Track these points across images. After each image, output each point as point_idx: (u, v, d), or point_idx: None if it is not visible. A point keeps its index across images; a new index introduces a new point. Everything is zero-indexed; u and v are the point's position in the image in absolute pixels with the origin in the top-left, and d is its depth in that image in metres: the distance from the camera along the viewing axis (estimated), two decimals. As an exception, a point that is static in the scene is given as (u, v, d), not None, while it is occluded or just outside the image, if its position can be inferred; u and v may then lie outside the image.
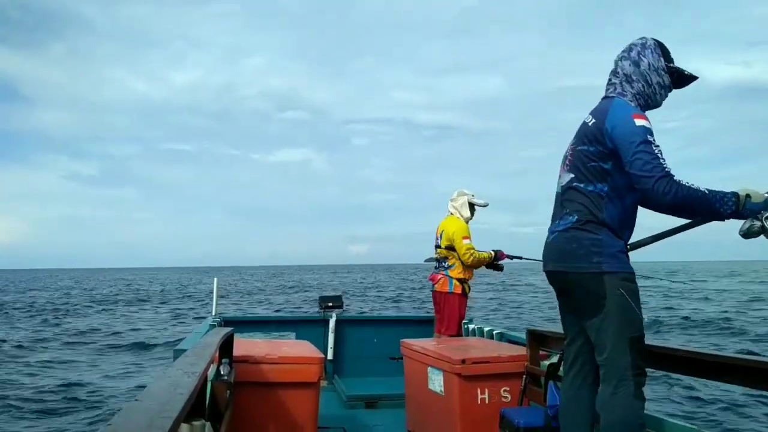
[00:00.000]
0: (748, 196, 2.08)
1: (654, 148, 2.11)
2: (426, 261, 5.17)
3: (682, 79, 2.36)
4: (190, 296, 32.22)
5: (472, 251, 4.67)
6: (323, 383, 4.65)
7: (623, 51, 2.39)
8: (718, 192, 2.09)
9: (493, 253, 4.84)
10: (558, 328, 2.69)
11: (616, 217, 2.24)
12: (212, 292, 5.49)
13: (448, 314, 4.73)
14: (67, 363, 11.29)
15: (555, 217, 2.42)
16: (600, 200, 2.24)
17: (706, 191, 2.08)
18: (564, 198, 2.38)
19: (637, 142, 2.11)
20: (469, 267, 4.76)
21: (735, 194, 2.08)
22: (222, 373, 2.59)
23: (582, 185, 2.29)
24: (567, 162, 2.40)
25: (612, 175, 2.23)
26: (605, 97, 2.39)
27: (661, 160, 2.09)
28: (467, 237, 4.71)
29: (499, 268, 4.95)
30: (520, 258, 4.85)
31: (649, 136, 2.13)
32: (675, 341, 12.06)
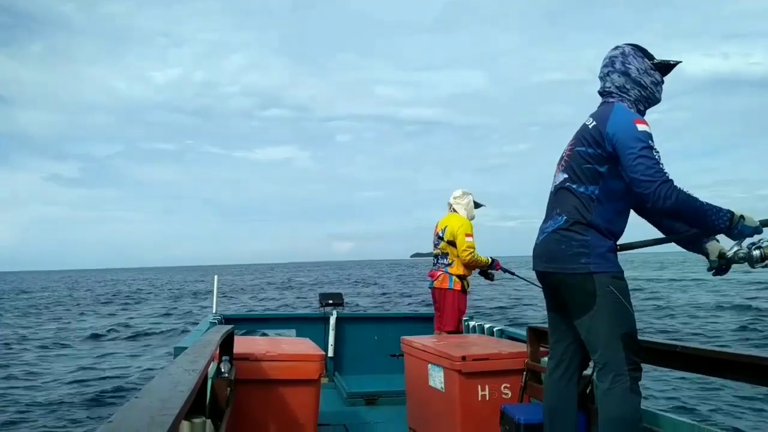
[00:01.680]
0: (742, 217, 2.12)
1: (655, 153, 2.13)
2: (412, 257, 5.21)
3: (668, 67, 2.39)
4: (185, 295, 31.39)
5: (471, 250, 4.67)
6: (324, 380, 4.65)
7: (605, 66, 2.40)
8: (715, 206, 2.13)
9: (490, 260, 4.87)
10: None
11: (605, 219, 2.25)
12: (212, 290, 5.49)
13: (448, 311, 4.73)
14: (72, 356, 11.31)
15: (547, 217, 2.43)
16: (590, 202, 2.25)
17: (704, 203, 2.11)
18: (556, 198, 2.39)
19: (640, 146, 2.12)
20: (465, 265, 4.76)
21: (730, 212, 2.12)
22: (222, 370, 2.59)
23: (574, 186, 2.30)
24: (563, 162, 2.40)
25: (605, 179, 2.24)
26: (605, 102, 2.39)
27: (662, 166, 2.12)
28: (470, 235, 4.72)
29: (490, 278, 4.98)
30: (513, 274, 4.97)
31: (650, 141, 2.14)
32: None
